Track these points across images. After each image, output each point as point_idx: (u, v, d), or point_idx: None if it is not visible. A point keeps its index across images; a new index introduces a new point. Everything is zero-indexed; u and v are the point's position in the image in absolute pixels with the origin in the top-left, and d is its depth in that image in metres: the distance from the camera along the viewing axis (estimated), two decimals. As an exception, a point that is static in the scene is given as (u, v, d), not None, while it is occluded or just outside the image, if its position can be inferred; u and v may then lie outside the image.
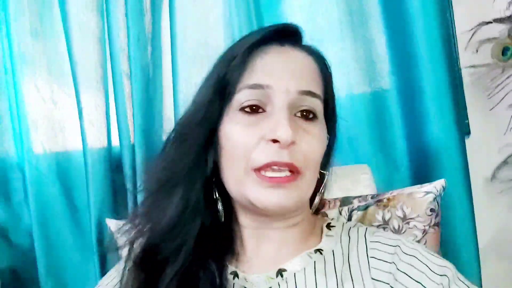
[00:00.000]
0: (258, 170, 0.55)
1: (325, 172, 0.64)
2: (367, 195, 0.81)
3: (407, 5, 1.09)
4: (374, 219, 0.76)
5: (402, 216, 0.75)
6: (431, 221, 0.74)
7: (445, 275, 0.54)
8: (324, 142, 0.60)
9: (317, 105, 0.59)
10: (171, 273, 0.56)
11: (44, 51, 1.17)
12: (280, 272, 0.59)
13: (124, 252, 0.62)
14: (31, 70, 1.15)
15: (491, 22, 1.18)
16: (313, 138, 0.58)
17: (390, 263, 0.57)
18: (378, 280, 0.56)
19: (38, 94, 1.16)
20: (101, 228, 1.09)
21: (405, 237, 0.65)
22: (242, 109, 0.57)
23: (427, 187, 0.76)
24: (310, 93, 0.58)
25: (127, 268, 0.60)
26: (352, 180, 0.94)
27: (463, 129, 1.14)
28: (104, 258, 1.10)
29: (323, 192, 0.65)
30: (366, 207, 0.77)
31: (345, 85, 1.16)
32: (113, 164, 1.15)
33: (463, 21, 1.22)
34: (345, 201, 0.80)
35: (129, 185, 1.11)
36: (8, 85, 1.16)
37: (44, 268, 1.11)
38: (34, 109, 1.15)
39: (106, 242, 1.05)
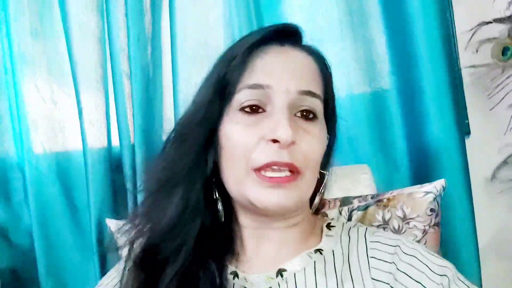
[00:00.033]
0: (258, 170, 0.55)
1: (325, 172, 0.63)
2: (367, 195, 0.82)
3: (407, 5, 1.09)
4: (374, 219, 0.76)
5: (402, 216, 0.75)
6: (431, 221, 0.74)
7: (445, 275, 0.54)
8: (324, 142, 0.60)
9: (317, 105, 0.59)
10: (171, 273, 0.56)
11: (44, 51, 1.17)
12: (280, 272, 0.59)
13: (124, 252, 0.62)
14: (31, 70, 1.15)
15: (491, 22, 1.18)
16: (313, 138, 0.58)
17: (390, 263, 0.57)
18: (378, 280, 0.56)
19: (38, 94, 1.16)
20: (101, 228, 1.09)
21: (405, 237, 0.65)
22: (242, 109, 0.57)
23: (427, 187, 0.76)
24: (310, 93, 0.58)
25: (127, 268, 0.60)
26: (352, 180, 0.94)
27: (463, 129, 1.14)
28: (104, 258, 1.10)
29: (323, 192, 0.65)
30: (366, 207, 0.77)
31: (345, 85, 1.16)
32: (113, 164, 1.15)
33: (463, 21, 1.22)
34: (345, 201, 0.80)
35: (129, 185, 1.12)
36: (8, 85, 1.16)
37: (44, 268, 1.11)
38: (34, 109, 1.15)
39: (106, 242, 1.05)
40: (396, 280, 0.55)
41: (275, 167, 0.55)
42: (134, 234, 0.61)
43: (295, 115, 0.58)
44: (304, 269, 0.58)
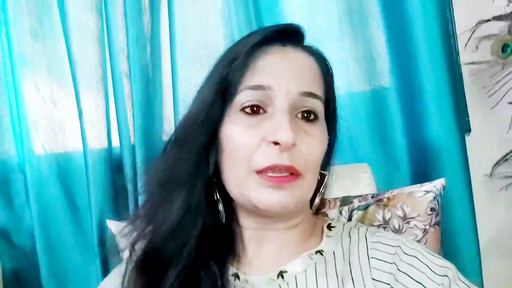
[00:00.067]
0: (259, 172, 0.55)
1: (325, 172, 0.63)
2: (367, 195, 0.81)
3: (406, 4, 1.09)
4: (374, 218, 0.76)
5: (402, 215, 0.75)
6: (431, 220, 0.74)
7: (446, 276, 0.54)
8: (325, 143, 0.60)
9: (318, 106, 0.59)
10: (173, 275, 0.56)
11: (44, 51, 1.17)
12: (281, 274, 0.59)
13: (125, 253, 0.63)
14: (31, 71, 1.16)
15: (491, 20, 1.18)
16: (314, 139, 0.58)
17: (391, 263, 0.57)
18: (378, 281, 0.56)
19: (38, 95, 1.16)
20: (102, 228, 1.09)
21: (406, 237, 0.65)
22: (243, 110, 0.57)
23: (427, 186, 0.76)
24: (311, 94, 0.58)
25: (128, 270, 0.60)
26: (352, 179, 0.94)
27: (464, 127, 1.14)
28: (105, 259, 1.10)
29: (323, 193, 0.65)
30: (366, 207, 0.77)
31: (345, 84, 1.16)
32: (114, 165, 1.15)
33: (463, 18, 1.21)
34: (345, 200, 0.80)
35: (129, 186, 1.12)
36: (8, 86, 1.17)
37: (46, 269, 1.12)
38: (34, 110, 1.16)
39: (108, 245, 1.05)
40: (397, 280, 0.55)
41: (276, 169, 0.55)
42: (135, 237, 0.61)
43: (296, 116, 0.58)
44: (305, 270, 0.58)
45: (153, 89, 1.15)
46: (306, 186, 0.58)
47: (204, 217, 0.59)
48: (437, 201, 0.74)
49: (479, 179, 1.18)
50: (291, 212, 0.59)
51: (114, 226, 0.93)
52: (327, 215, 0.77)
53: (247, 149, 0.56)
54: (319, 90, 0.59)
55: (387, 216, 0.75)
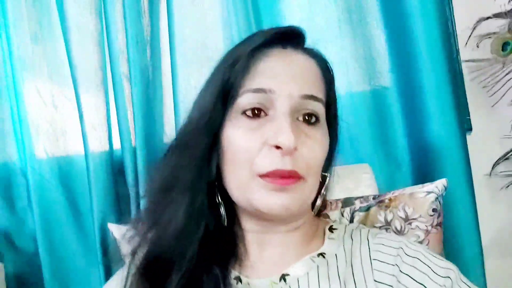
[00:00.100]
0: (262, 175, 0.55)
1: (326, 174, 0.63)
2: (368, 196, 0.81)
3: (405, 2, 1.09)
4: (376, 220, 0.76)
5: (404, 216, 0.74)
6: (433, 221, 0.73)
7: (448, 277, 0.54)
8: (326, 146, 0.60)
9: (319, 109, 0.59)
10: (176, 278, 0.56)
11: (44, 55, 1.17)
12: (283, 277, 0.59)
13: (127, 257, 0.63)
14: (31, 74, 1.16)
15: (491, 17, 1.17)
16: (315, 143, 0.58)
17: (393, 265, 0.57)
18: (381, 283, 0.56)
19: (39, 99, 1.16)
20: (104, 231, 1.09)
21: (408, 238, 0.65)
22: (244, 113, 0.57)
23: (428, 186, 0.76)
24: (312, 97, 0.58)
25: (130, 274, 0.60)
26: (353, 180, 0.94)
27: (465, 126, 1.13)
28: (107, 261, 1.10)
29: (325, 194, 0.65)
30: (368, 208, 0.77)
31: (345, 84, 1.16)
32: (115, 168, 1.15)
33: (463, 16, 1.21)
34: (347, 202, 0.80)
35: (131, 188, 1.12)
36: (9, 90, 1.17)
37: (49, 273, 1.12)
38: (35, 114, 1.16)
39: (111, 251, 1.05)
40: (399, 282, 0.55)
41: (278, 174, 0.55)
42: (137, 241, 0.61)
43: (297, 119, 0.58)
44: (307, 273, 0.58)
45: (154, 91, 1.15)
46: (308, 189, 0.58)
47: (207, 222, 0.59)
48: (439, 202, 0.74)
49: (480, 178, 1.18)
50: (294, 215, 0.59)
51: (115, 229, 0.93)
52: (328, 217, 0.77)
53: (248, 153, 0.56)
54: (320, 93, 0.59)
55: (389, 217, 0.75)
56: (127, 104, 1.13)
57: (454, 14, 1.20)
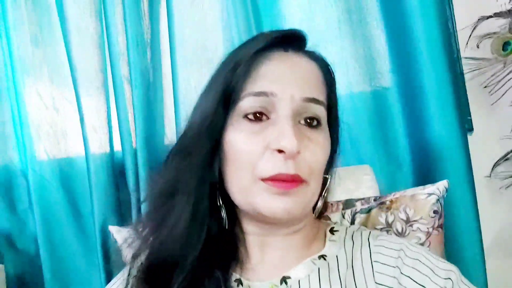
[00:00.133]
0: (264, 179, 0.55)
1: (327, 176, 0.63)
2: (369, 197, 0.81)
3: (405, 2, 1.08)
4: (377, 222, 0.76)
5: (405, 218, 0.74)
6: (434, 223, 0.73)
7: (449, 278, 0.54)
8: (328, 150, 0.60)
9: (321, 112, 0.59)
10: (177, 282, 0.56)
11: (45, 57, 1.17)
12: (284, 280, 0.59)
13: (128, 259, 0.63)
14: (32, 77, 1.16)
15: (492, 17, 1.17)
16: (317, 146, 0.58)
17: (394, 267, 0.57)
18: (382, 285, 0.56)
19: (40, 101, 1.17)
20: (105, 233, 1.09)
21: (409, 240, 0.65)
22: (246, 116, 0.57)
23: (429, 188, 0.76)
24: (314, 100, 0.58)
25: (131, 277, 0.60)
26: (354, 181, 0.94)
27: (466, 126, 1.13)
28: (108, 263, 1.10)
29: (326, 196, 0.65)
30: (369, 210, 0.77)
31: (345, 84, 1.15)
32: (116, 169, 1.15)
33: (464, 16, 1.20)
34: (348, 204, 0.80)
35: (132, 190, 1.12)
36: (10, 92, 1.17)
37: (50, 274, 1.12)
38: (36, 116, 1.16)
39: (111, 253, 1.05)
40: (400, 284, 0.55)
41: (281, 178, 0.55)
42: (139, 246, 0.61)
43: (299, 122, 0.58)
44: (308, 276, 0.58)
45: (154, 92, 1.15)
46: (310, 192, 0.58)
47: (209, 225, 0.59)
48: (440, 204, 0.74)
49: (480, 178, 1.17)
50: (296, 218, 0.59)
51: (116, 231, 0.93)
52: (329, 219, 0.77)
53: (250, 156, 0.56)
54: (321, 96, 0.59)
55: (390, 219, 0.75)
56: (128, 106, 1.13)
57: (455, 13, 1.20)
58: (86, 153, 1.12)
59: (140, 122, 1.11)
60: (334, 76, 0.64)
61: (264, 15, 1.16)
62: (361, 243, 0.61)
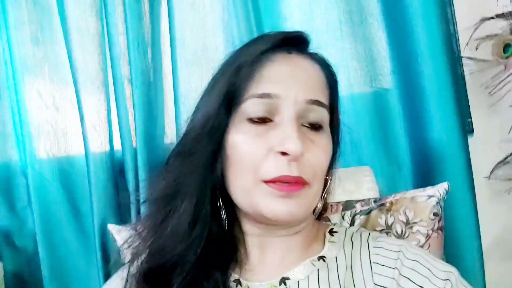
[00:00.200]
0: (267, 181, 0.55)
1: (327, 177, 0.63)
2: (369, 199, 0.81)
3: (406, 3, 1.08)
4: (377, 223, 0.76)
5: (405, 220, 0.74)
6: (434, 225, 0.73)
7: (448, 280, 0.54)
8: (330, 152, 0.60)
9: (324, 115, 0.59)
10: (176, 283, 0.56)
11: (45, 57, 1.17)
12: (283, 280, 0.59)
13: (127, 258, 0.63)
14: (32, 76, 1.15)
15: (493, 18, 1.17)
16: (320, 149, 0.58)
17: (393, 268, 0.57)
18: (381, 286, 0.56)
19: (41, 100, 1.16)
20: (104, 232, 1.09)
21: (408, 242, 0.65)
22: (250, 119, 0.57)
23: (430, 190, 0.76)
24: (317, 102, 0.58)
25: (130, 275, 0.60)
26: (354, 182, 0.94)
27: (466, 128, 1.13)
28: (107, 262, 1.10)
29: (326, 198, 0.65)
30: (369, 212, 0.77)
31: (346, 85, 1.15)
32: (116, 168, 1.15)
33: (465, 17, 1.20)
34: (348, 205, 0.80)
35: (131, 189, 1.12)
36: (10, 91, 1.16)
37: (48, 272, 1.12)
38: (36, 115, 1.16)
39: (110, 252, 1.06)
40: (399, 285, 0.55)
41: (285, 180, 0.55)
42: (139, 247, 0.61)
43: (302, 125, 0.57)
44: (308, 277, 0.58)
45: (154, 92, 1.15)
46: (312, 194, 0.58)
47: (210, 226, 0.59)
48: (440, 206, 0.74)
49: (480, 181, 1.17)
50: (299, 220, 0.59)
51: (115, 230, 0.93)
52: (329, 220, 0.77)
53: (254, 159, 0.56)
54: (324, 98, 0.59)
55: (390, 221, 0.75)
56: (128, 106, 1.13)
57: (456, 14, 1.20)
58: (86, 152, 1.12)
59: (140, 122, 1.10)
60: (336, 78, 0.63)
61: (264, 16, 1.15)
62: (361, 245, 0.61)
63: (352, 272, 0.58)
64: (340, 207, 0.80)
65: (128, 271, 0.61)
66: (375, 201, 0.79)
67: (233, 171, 0.58)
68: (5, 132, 1.17)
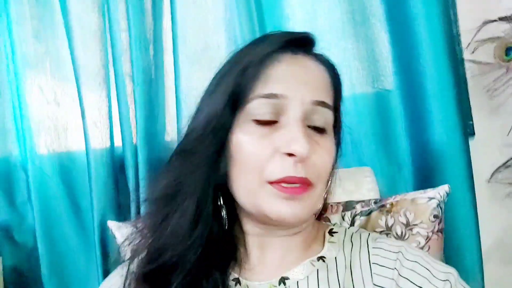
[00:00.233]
0: (272, 182, 0.55)
1: (328, 177, 0.63)
2: (370, 200, 0.81)
3: (409, 4, 1.08)
4: (377, 224, 0.76)
5: (405, 222, 0.74)
6: (434, 227, 0.73)
7: (448, 280, 0.55)
8: (334, 154, 0.60)
9: (329, 117, 0.59)
10: (175, 283, 0.56)
11: (47, 53, 1.16)
12: (282, 280, 0.59)
13: (126, 255, 0.63)
14: (34, 72, 1.15)
15: (496, 20, 1.17)
16: (325, 151, 0.58)
17: (393, 269, 0.57)
18: (380, 286, 0.56)
19: (42, 95, 1.16)
20: (104, 228, 1.09)
21: (408, 243, 0.65)
22: (256, 120, 0.57)
23: (430, 192, 0.76)
24: (322, 103, 0.58)
25: (130, 272, 0.60)
26: (355, 183, 0.93)
27: (467, 130, 1.13)
28: (106, 258, 1.10)
29: (326, 198, 0.65)
30: (369, 213, 0.77)
31: (348, 85, 1.15)
32: (116, 165, 1.15)
33: (468, 19, 1.20)
34: (348, 206, 0.80)
35: (131, 186, 1.12)
36: (12, 87, 1.16)
37: (48, 268, 1.12)
38: (37, 111, 1.16)
39: (110, 248, 1.06)
40: (399, 286, 0.55)
41: (290, 181, 0.55)
42: (139, 246, 0.61)
43: (308, 126, 0.57)
44: (307, 277, 0.58)
45: (156, 90, 1.15)
46: (316, 196, 0.58)
47: (211, 226, 0.59)
48: (441, 208, 0.74)
49: (481, 183, 1.17)
50: (302, 222, 0.59)
51: (115, 226, 0.93)
52: (329, 220, 0.77)
53: (259, 159, 0.55)
54: (329, 99, 0.59)
55: (390, 223, 0.75)
56: (129, 103, 1.13)
57: (459, 16, 1.20)
58: (86, 148, 1.12)
59: (141, 119, 1.10)
60: (340, 79, 0.63)
61: (267, 16, 1.15)
62: (360, 245, 0.61)
63: (351, 273, 0.58)
64: (340, 208, 0.79)
65: (128, 268, 0.60)
66: (375, 202, 0.79)
67: (237, 171, 0.57)
68: (6, 127, 1.17)
